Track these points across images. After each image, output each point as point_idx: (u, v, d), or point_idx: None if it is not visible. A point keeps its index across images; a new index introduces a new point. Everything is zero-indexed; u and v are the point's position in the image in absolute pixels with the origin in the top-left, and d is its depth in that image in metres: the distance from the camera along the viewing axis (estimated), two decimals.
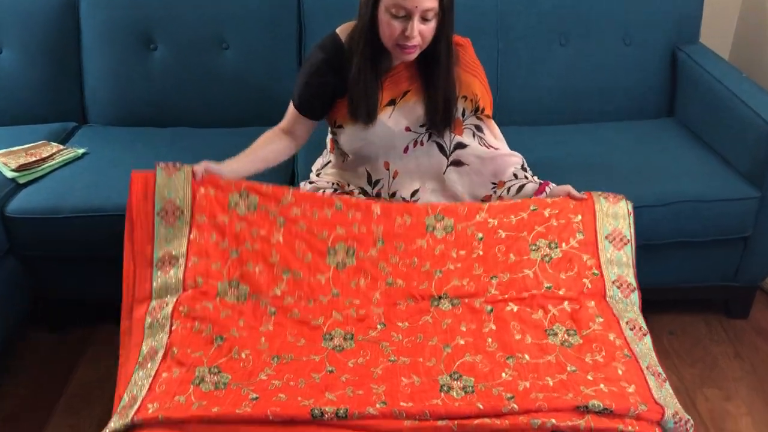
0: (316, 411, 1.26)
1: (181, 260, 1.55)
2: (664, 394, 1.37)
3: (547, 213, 1.69)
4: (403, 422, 1.26)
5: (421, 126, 1.75)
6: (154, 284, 1.54)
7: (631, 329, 1.50)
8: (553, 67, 2.47)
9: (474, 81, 1.76)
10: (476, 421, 1.25)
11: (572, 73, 2.47)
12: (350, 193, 1.84)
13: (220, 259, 1.56)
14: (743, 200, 2.03)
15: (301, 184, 1.98)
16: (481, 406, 1.27)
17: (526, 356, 1.42)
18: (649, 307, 2.14)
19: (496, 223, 1.68)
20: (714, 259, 2.15)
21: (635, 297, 1.60)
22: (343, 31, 1.73)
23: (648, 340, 1.51)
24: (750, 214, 2.05)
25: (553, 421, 1.25)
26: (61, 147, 2.23)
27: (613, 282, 1.61)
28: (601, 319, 1.50)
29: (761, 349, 2.16)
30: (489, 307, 1.54)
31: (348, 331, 1.50)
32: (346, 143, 1.79)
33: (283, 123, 1.83)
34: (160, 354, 1.41)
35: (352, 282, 1.61)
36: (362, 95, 1.69)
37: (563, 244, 1.65)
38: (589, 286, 1.59)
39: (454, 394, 1.33)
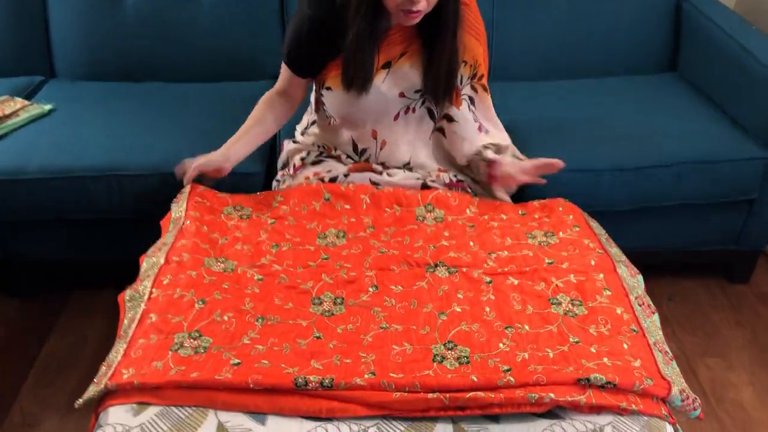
0: (299, 380, 1.18)
1: (170, 243, 1.53)
2: (671, 372, 1.28)
3: (537, 215, 1.66)
4: (391, 394, 1.17)
5: (416, 92, 1.63)
6: (142, 268, 1.51)
7: (640, 305, 1.41)
8: (552, 18, 2.33)
9: (477, 46, 1.63)
10: (469, 395, 1.16)
11: (571, 25, 2.34)
12: (337, 157, 1.73)
13: (208, 243, 1.54)
14: (750, 161, 1.93)
15: (285, 142, 1.86)
16: (475, 379, 1.19)
17: (526, 326, 1.33)
18: (646, 272, 2.07)
19: (486, 218, 1.65)
20: (717, 223, 2.06)
21: (641, 279, 1.51)
22: None
23: (656, 318, 1.42)
24: (756, 176, 1.95)
25: (552, 395, 1.16)
26: (27, 102, 2.09)
27: (620, 261, 1.52)
28: (609, 293, 1.40)
29: (763, 315, 2.09)
30: (488, 278, 1.45)
31: (338, 294, 1.42)
32: (334, 107, 1.67)
33: (278, 84, 1.70)
34: (136, 321, 1.34)
35: (344, 251, 1.53)
36: (359, 63, 1.55)
37: (560, 233, 1.58)
38: (596, 260, 1.49)
39: (448, 364, 1.24)
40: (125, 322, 1.38)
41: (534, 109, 2.11)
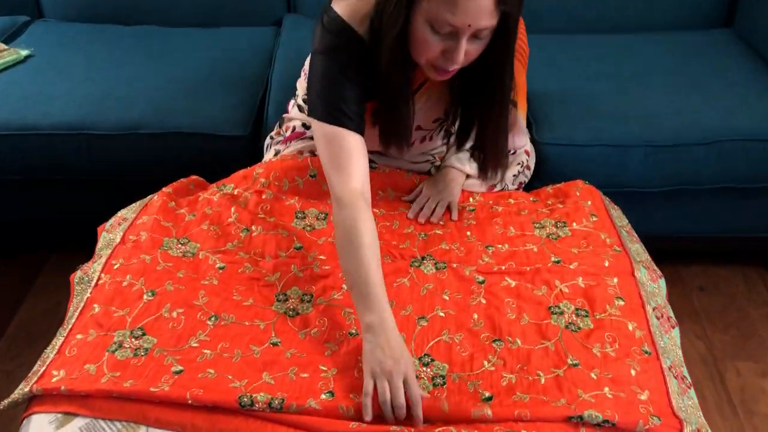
0: (245, 399, 1.02)
1: (131, 219, 1.39)
2: (687, 403, 1.09)
3: (549, 201, 1.45)
4: (348, 424, 1.01)
5: (435, 121, 1.39)
6: (99, 244, 1.38)
7: (658, 317, 1.21)
8: None
9: (519, 69, 1.38)
10: (437, 430, 0.99)
11: None
12: None
13: (173, 220, 1.39)
14: None
15: (290, 104, 1.62)
16: (446, 409, 1.01)
17: (518, 341, 1.14)
18: (676, 258, 1.85)
19: (491, 203, 1.45)
20: (761, 207, 1.80)
21: (663, 284, 1.30)
22: (350, 16, 1.19)
23: (676, 333, 1.22)
24: None
25: None
26: (3, 47, 1.92)
27: (640, 261, 1.30)
28: (621, 302, 1.20)
29: None
30: (480, 278, 1.26)
31: (307, 290, 1.25)
32: None
33: (338, 186, 1.18)
34: (79, 310, 1.21)
35: (321, 239, 1.35)
36: (399, 122, 1.27)
37: (573, 224, 1.37)
38: (611, 260, 1.28)
39: (420, 386, 1.06)
40: (70, 309, 1.25)
41: (558, 73, 1.87)
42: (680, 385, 1.11)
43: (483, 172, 1.38)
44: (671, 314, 1.25)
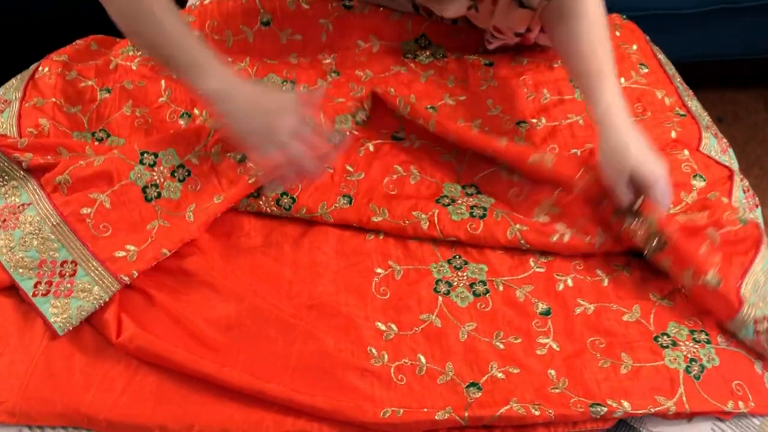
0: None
1: (17, 101, 1.00)
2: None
3: None
4: (378, 413, 0.74)
5: None
6: None
7: (744, 191, 0.97)
8: None
9: None
10: (501, 411, 0.74)
11: None
12: None
13: (80, 101, 1.03)
14: None
15: None
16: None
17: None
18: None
19: (512, 51, 1.10)
20: None
21: (732, 154, 1.04)
22: None
23: (759, 214, 0.98)
24: None
25: (627, 405, 0.75)
26: None
27: (707, 127, 1.03)
28: (701, 183, 0.93)
29: None
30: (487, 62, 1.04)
31: (286, 76, 1.04)
32: None
33: None
34: None
35: None
36: None
37: (621, 80, 1.05)
38: (678, 130, 0.98)
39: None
40: None
41: None
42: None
43: None
44: (751, 191, 1.01)
